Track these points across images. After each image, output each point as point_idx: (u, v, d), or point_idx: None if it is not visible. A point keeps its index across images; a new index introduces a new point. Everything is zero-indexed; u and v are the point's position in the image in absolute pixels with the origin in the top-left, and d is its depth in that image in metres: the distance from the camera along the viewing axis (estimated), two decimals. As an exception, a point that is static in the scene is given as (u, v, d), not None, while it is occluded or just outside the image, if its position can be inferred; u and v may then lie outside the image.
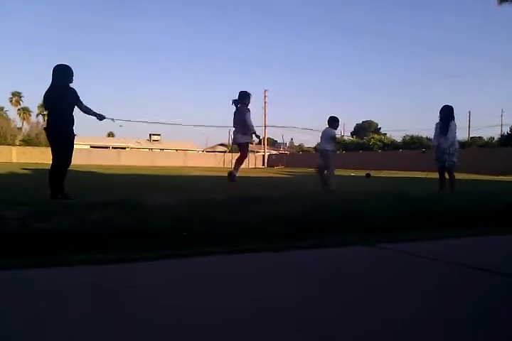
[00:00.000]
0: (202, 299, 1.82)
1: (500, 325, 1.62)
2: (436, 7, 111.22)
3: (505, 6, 27.56)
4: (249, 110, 7.58)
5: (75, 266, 2.32)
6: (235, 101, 7.53)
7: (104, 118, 5.95)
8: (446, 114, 7.82)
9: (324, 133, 7.55)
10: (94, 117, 5.79)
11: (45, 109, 5.96)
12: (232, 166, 7.91)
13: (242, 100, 7.52)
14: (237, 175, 7.18)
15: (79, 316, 1.60)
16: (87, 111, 5.65)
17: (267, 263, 2.54)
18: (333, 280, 2.20)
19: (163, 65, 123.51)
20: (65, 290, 1.92)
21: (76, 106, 5.51)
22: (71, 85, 5.50)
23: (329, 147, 7.37)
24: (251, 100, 7.77)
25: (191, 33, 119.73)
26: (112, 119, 6.28)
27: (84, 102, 5.56)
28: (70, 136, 5.48)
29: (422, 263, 2.65)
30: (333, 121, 7.71)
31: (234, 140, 8.12)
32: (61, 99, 5.38)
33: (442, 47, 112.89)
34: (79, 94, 5.51)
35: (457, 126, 7.89)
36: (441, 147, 7.74)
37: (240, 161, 7.71)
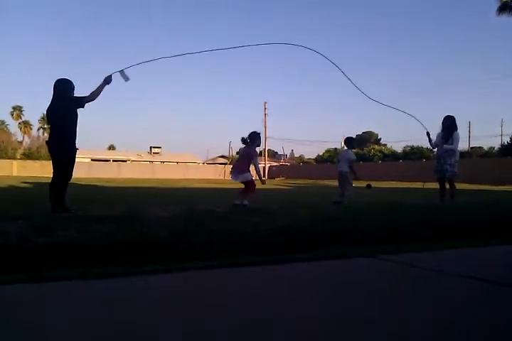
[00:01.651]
0: (204, 311, 1.82)
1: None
2: (434, 18, 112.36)
3: (504, 16, 27.75)
4: (255, 150, 7.32)
5: (75, 280, 2.31)
6: (245, 142, 7.17)
7: (111, 78, 5.48)
8: (449, 125, 7.81)
9: (342, 155, 7.80)
10: (105, 86, 5.47)
11: (48, 124, 5.93)
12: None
13: (253, 141, 7.19)
14: (244, 202, 6.70)
15: (78, 332, 1.59)
16: (94, 95, 5.46)
17: (267, 276, 2.53)
18: (332, 293, 2.19)
19: (161, 76, 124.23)
20: (64, 305, 1.92)
21: (83, 106, 5.47)
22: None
23: (347, 169, 7.56)
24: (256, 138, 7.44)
25: (191, 40, 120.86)
26: (121, 71, 5.47)
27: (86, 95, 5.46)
28: (72, 151, 5.50)
29: (423, 274, 2.64)
30: (351, 142, 8.08)
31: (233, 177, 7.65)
32: (63, 114, 5.41)
33: (442, 58, 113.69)
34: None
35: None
36: (443, 157, 7.73)
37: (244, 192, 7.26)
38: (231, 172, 7.28)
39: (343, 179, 7.62)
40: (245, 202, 6.50)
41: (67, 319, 1.73)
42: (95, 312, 1.83)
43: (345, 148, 8.18)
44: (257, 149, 7.43)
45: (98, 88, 5.44)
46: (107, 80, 5.45)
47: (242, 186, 6.87)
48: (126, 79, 5.51)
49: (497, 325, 1.75)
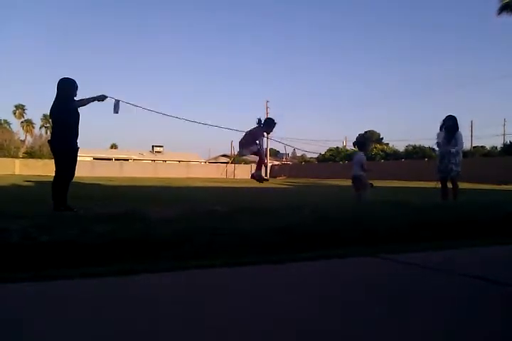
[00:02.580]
0: (205, 311, 1.82)
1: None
2: (436, 18, 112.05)
3: (505, 16, 27.72)
4: (262, 133, 7.21)
5: (77, 279, 2.32)
6: (259, 123, 7.09)
7: (104, 99, 5.63)
8: (452, 124, 7.80)
9: (355, 159, 7.92)
10: (94, 101, 5.57)
11: (51, 123, 5.95)
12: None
13: (265, 126, 7.11)
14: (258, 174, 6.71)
15: (77, 331, 1.60)
16: (79, 105, 5.53)
17: (269, 276, 2.53)
18: (333, 292, 2.19)
19: (163, 75, 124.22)
20: (65, 304, 1.92)
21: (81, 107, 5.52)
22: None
23: (361, 172, 7.72)
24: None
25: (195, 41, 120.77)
26: (117, 101, 5.65)
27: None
28: (74, 150, 5.52)
29: (425, 273, 2.63)
30: (363, 145, 8.66)
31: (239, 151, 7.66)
32: (65, 113, 5.42)
33: (444, 57, 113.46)
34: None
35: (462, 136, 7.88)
36: (447, 157, 7.71)
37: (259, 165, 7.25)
38: (239, 148, 7.24)
39: (358, 182, 7.72)
40: (260, 174, 6.66)
41: (67, 318, 1.73)
42: (96, 311, 1.83)
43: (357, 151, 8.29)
44: (265, 134, 7.29)
45: (87, 99, 5.54)
46: (100, 98, 5.56)
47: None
48: (116, 111, 5.61)
49: (498, 325, 1.75)
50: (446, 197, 7.71)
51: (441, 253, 3.28)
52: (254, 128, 6.98)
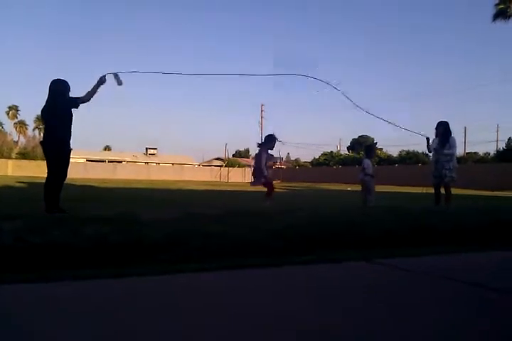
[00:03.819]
0: (196, 314, 1.80)
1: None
2: (429, 24, 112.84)
3: (499, 22, 27.99)
4: (266, 153, 7.45)
5: (68, 281, 2.28)
6: (259, 145, 7.50)
7: (105, 79, 5.46)
8: (443, 130, 7.85)
9: (363, 164, 8.22)
10: (100, 86, 5.46)
11: (43, 124, 5.90)
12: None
13: (265, 144, 7.43)
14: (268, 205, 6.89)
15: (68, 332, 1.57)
16: (89, 96, 5.47)
17: (265, 280, 2.51)
18: (328, 295, 2.17)
19: (158, 78, 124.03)
20: (54, 306, 1.89)
21: (77, 107, 5.48)
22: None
23: (364, 177, 8.08)
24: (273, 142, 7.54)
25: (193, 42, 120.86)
26: (115, 74, 5.43)
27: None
28: (66, 151, 5.47)
29: (416, 278, 2.63)
30: (370, 151, 8.70)
31: (251, 182, 8.27)
32: (57, 115, 5.37)
33: (437, 63, 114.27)
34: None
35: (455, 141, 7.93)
36: (441, 162, 7.75)
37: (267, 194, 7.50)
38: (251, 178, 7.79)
39: (366, 184, 8.15)
40: (268, 203, 6.78)
41: (56, 320, 1.70)
42: (85, 313, 1.80)
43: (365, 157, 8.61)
44: (269, 151, 7.56)
45: (93, 88, 5.44)
46: (101, 80, 5.43)
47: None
48: (120, 82, 5.53)
49: (489, 331, 1.74)
50: (438, 203, 7.73)
51: (436, 259, 3.28)
52: (258, 150, 7.35)
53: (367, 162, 8.25)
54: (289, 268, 2.78)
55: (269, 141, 7.41)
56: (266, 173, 7.26)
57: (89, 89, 5.44)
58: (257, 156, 7.44)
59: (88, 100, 5.47)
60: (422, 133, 8.21)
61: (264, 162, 7.29)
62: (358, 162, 42.69)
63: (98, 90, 5.47)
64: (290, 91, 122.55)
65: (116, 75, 5.49)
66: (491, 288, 2.38)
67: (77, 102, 5.43)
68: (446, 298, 2.18)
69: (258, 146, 7.42)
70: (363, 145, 8.55)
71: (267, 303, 2.02)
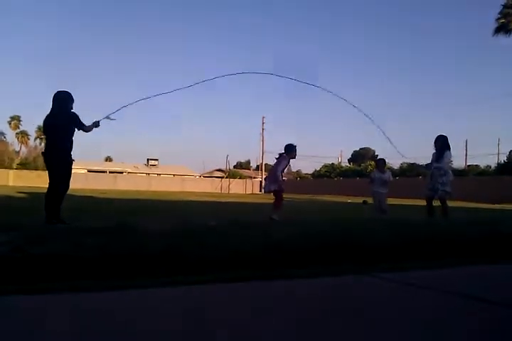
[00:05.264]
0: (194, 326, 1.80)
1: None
2: (432, 36, 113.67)
3: (501, 36, 28.26)
4: (288, 161, 7.57)
5: (66, 292, 2.29)
6: (280, 154, 7.57)
7: (99, 124, 5.89)
8: (441, 144, 7.98)
9: (375, 178, 8.78)
10: (96, 128, 5.85)
11: (44, 135, 5.97)
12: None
13: (287, 154, 7.52)
14: (276, 218, 6.82)
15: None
16: (88, 129, 5.72)
17: (260, 292, 2.52)
18: (322, 311, 2.18)
19: (159, 89, 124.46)
20: (51, 318, 1.90)
21: (77, 129, 5.58)
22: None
23: (377, 188, 8.71)
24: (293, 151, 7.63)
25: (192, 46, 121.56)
26: (107, 117, 5.98)
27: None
28: (68, 162, 5.50)
29: (415, 292, 2.63)
30: (382, 164, 9.42)
31: (264, 188, 8.47)
32: (60, 126, 5.43)
33: (440, 76, 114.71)
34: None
35: (454, 155, 8.08)
36: (435, 176, 7.89)
37: (275, 206, 7.47)
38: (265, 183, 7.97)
39: (377, 198, 8.70)
40: (274, 217, 6.74)
41: (51, 332, 1.71)
42: (81, 325, 1.80)
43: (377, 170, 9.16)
44: (290, 161, 7.71)
45: (89, 127, 5.74)
46: (96, 125, 5.81)
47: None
48: (112, 119, 6.02)
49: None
50: (432, 215, 7.83)
51: (436, 272, 3.28)
52: (279, 158, 7.44)
53: (373, 175, 8.99)
54: (283, 282, 2.78)
55: (291, 150, 7.48)
56: (281, 179, 7.32)
57: (89, 125, 5.74)
58: (276, 163, 7.49)
59: (86, 131, 5.76)
60: (423, 164, 8.91)
61: (281, 168, 7.38)
62: (359, 174, 42.71)
63: (91, 130, 5.83)
64: (294, 102, 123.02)
65: (107, 117, 6.00)
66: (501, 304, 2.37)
67: (79, 127, 5.58)
68: (446, 312, 2.19)
69: (279, 155, 7.48)
70: (378, 159, 8.96)
71: (245, 320, 2.02)
